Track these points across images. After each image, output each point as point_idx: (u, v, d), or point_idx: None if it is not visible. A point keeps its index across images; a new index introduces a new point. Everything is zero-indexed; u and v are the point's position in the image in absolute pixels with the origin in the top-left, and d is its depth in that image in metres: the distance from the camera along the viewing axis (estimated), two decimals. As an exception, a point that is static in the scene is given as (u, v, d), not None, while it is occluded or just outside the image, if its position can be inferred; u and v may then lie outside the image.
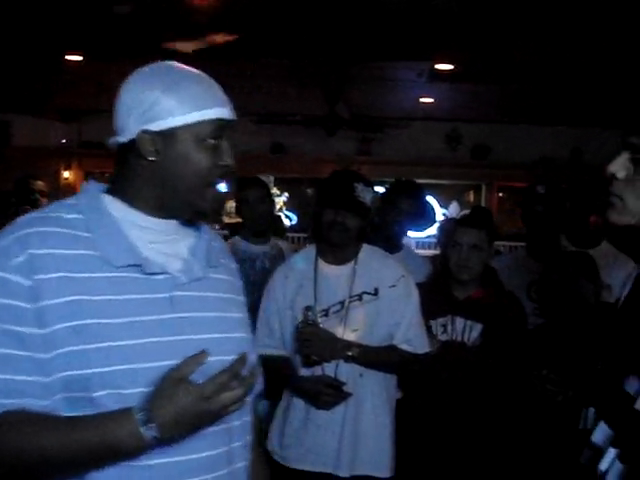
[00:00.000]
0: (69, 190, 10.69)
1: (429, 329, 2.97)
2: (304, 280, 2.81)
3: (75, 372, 1.31)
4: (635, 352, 1.38)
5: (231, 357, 1.39)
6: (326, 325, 2.72)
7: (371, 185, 2.78)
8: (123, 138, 1.42)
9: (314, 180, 12.35)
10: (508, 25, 5.31)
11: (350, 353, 2.68)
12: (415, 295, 2.82)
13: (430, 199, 11.24)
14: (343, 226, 2.72)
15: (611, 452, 1.39)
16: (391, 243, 3.36)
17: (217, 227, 11.61)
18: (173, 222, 1.50)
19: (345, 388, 2.69)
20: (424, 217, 3.91)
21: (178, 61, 1.51)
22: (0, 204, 5.01)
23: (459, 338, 3.02)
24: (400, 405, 2.91)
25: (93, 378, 1.31)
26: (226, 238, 4.91)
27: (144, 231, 1.46)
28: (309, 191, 13.31)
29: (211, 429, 1.39)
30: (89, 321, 1.32)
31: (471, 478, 2.95)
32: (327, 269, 2.82)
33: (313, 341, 2.68)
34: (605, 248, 3.53)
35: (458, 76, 7.29)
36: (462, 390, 2.95)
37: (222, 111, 1.44)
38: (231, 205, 11.53)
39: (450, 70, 7.07)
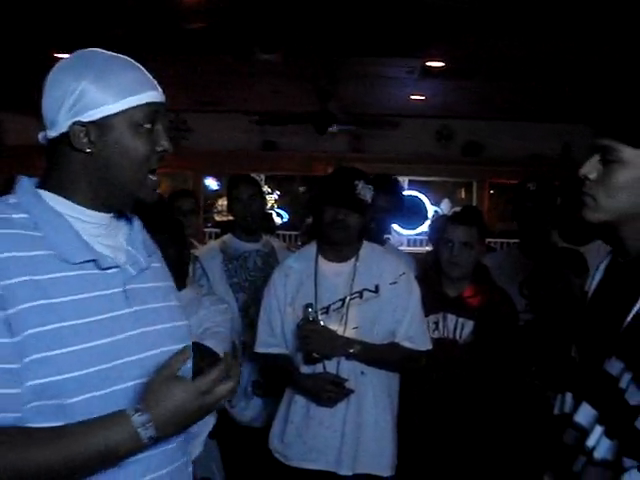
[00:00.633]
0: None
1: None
2: (304, 278, 2.82)
3: (48, 379, 1.27)
4: (614, 336, 1.47)
5: (181, 345, 1.42)
6: (327, 323, 2.72)
7: (371, 182, 2.79)
8: (54, 132, 1.38)
9: (306, 178, 12.38)
10: (499, 22, 5.31)
11: (351, 350, 2.68)
12: (416, 292, 2.83)
13: (421, 196, 11.38)
14: (344, 224, 2.73)
15: (597, 430, 1.49)
16: (372, 240, 3.31)
17: (209, 225, 11.63)
18: (109, 214, 1.47)
19: (347, 385, 2.69)
20: (402, 212, 3.88)
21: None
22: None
23: (451, 335, 3.03)
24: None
25: (67, 384, 1.28)
26: (218, 236, 4.92)
27: (88, 225, 1.42)
28: (300, 189, 13.33)
29: None
30: (57, 325, 1.29)
31: (467, 474, 2.96)
32: (327, 267, 2.82)
33: (314, 338, 2.68)
34: (597, 244, 3.54)
35: (449, 73, 7.29)
36: (455, 387, 2.96)
37: (154, 94, 1.42)
38: (222, 203, 11.60)
39: (441, 67, 7.07)
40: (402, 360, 2.81)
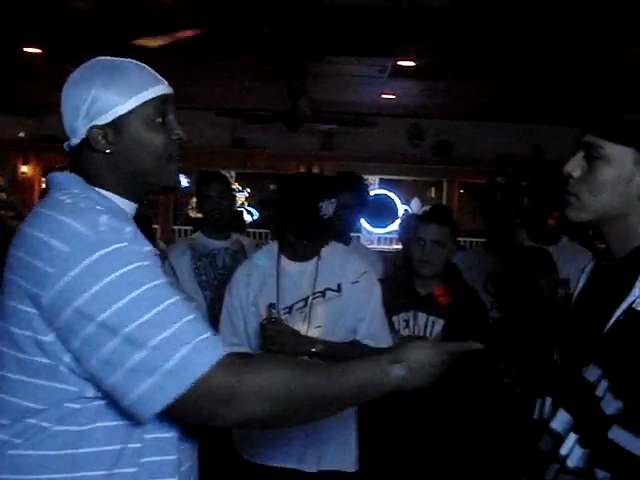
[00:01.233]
0: (27, 185, 10.55)
1: (392, 325, 2.98)
2: (267, 277, 2.81)
3: None
4: (594, 342, 1.44)
5: None
6: (290, 322, 2.72)
7: (334, 192, 2.79)
8: (76, 139, 1.50)
9: (277, 176, 12.36)
10: (470, 22, 5.34)
11: (314, 349, 2.68)
12: (377, 290, 2.83)
13: (392, 195, 11.41)
14: (307, 246, 2.77)
15: (572, 437, 1.46)
16: (338, 237, 3.31)
17: (178, 223, 11.57)
18: (136, 204, 1.58)
19: None
20: (367, 209, 3.88)
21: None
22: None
23: (421, 333, 3.03)
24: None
25: None
26: (190, 233, 4.88)
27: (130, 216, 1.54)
28: (271, 187, 13.30)
29: None
30: None
31: (432, 468, 2.97)
32: (290, 266, 2.81)
33: (277, 338, 2.67)
34: (564, 244, 3.57)
35: (420, 73, 7.32)
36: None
37: (160, 88, 1.53)
38: (194, 200, 11.54)
39: (412, 67, 7.10)
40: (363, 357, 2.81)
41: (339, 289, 2.77)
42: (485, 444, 2.92)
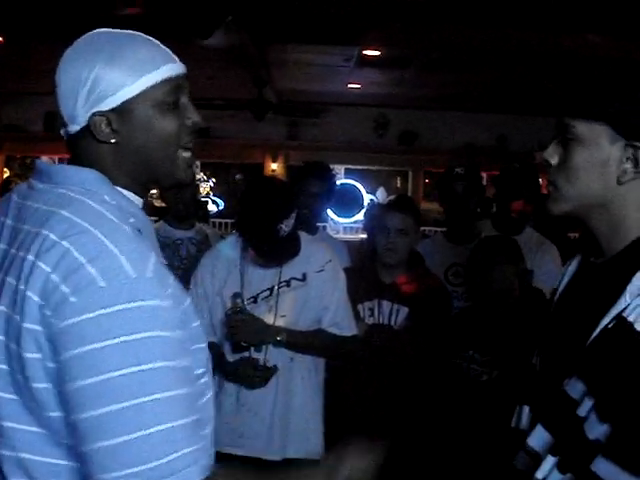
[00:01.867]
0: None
1: (357, 313, 2.99)
2: (232, 267, 2.79)
3: None
4: (578, 352, 1.30)
5: None
6: (255, 312, 2.71)
7: (293, 207, 2.67)
8: (75, 127, 1.27)
9: (242, 165, 12.29)
10: (436, 11, 5.34)
11: (279, 338, 2.68)
12: (342, 279, 2.83)
13: (357, 185, 11.41)
14: (267, 260, 2.74)
15: (550, 460, 1.30)
16: (305, 227, 3.29)
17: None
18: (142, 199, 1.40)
19: (276, 374, 2.70)
20: (334, 199, 3.87)
21: None
22: None
23: (386, 321, 3.05)
24: (327, 387, 2.92)
25: None
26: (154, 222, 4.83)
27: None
28: (237, 177, 13.25)
29: None
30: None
31: (402, 459, 2.97)
32: (254, 256, 2.79)
33: (242, 328, 2.67)
34: (528, 234, 3.59)
35: (385, 62, 7.32)
36: (389, 372, 2.98)
37: (172, 67, 1.29)
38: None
39: (377, 56, 7.09)
40: (329, 346, 2.82)
41: (304, 278, 2.76)
42: (450, 430, 2.93)
